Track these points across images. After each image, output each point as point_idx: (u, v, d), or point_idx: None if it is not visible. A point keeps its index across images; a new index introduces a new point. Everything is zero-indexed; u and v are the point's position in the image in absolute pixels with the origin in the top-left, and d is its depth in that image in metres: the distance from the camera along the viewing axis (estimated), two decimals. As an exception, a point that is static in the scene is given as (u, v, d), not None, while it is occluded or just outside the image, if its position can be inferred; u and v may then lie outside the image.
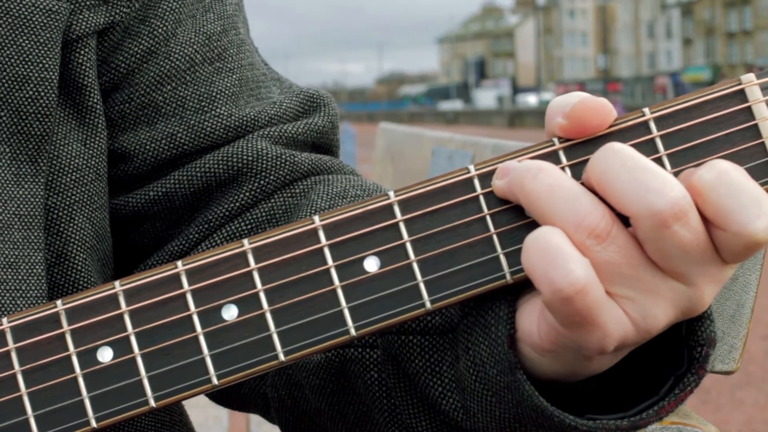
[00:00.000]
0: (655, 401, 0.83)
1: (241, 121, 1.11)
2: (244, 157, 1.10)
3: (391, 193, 0.83)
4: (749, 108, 0.81)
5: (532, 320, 0.82)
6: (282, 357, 0.82)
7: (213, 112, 1.11)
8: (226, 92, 1.12)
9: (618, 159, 0.79)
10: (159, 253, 1.12)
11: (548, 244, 0.78)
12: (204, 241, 1.10)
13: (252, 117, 1.12)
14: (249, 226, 1.10)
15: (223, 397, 1.14)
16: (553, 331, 0.80)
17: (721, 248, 0.79)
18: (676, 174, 0.80)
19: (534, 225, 0.81)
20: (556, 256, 0.77)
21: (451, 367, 0.90)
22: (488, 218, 0.82)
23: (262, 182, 1.10)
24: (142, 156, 1.10)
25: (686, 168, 0.81)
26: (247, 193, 1.10)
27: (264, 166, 1.10)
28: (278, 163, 1.10)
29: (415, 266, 0.82)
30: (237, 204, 1.10)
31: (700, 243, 0.78)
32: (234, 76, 1.13)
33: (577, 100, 0.81)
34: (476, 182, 0.82)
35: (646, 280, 0.79)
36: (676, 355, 0.85)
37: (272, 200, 1.10)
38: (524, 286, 0.84)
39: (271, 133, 1.12)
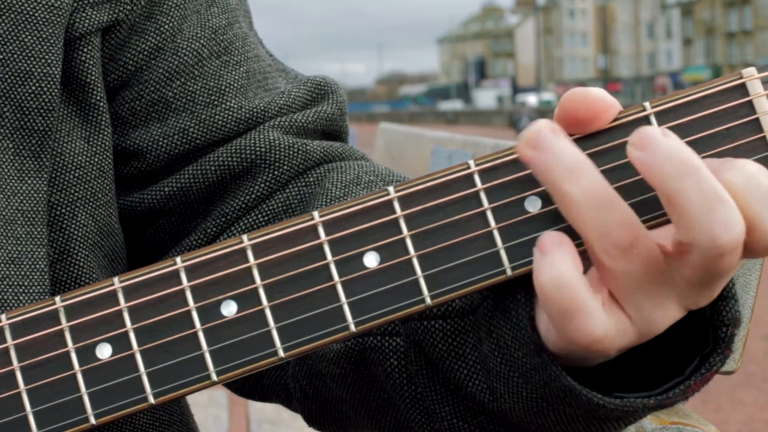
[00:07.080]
0: (681, 380, 0.83)
1: (251, 112, 1.12)
2: (257, 148, 1.10)
3: (391, 189, 0.83)
4: (750, 102, 0.81)
5: (544, 320, 0.83)
6: (281, 353, 0.82)
7: (223, 106, 1.12)
8: (235, 85, 1.13)
9: (694, 181, 0.76)
10: (177, 248, 1.13)
11: (570, 301, 0.78)
12: (222, 234, 1.11)
13: (262, 108, 1.13)
14: (266, 218, 1.10)
15: (244, 388, 1.15)
16: (563, 344, 0.81)
17: (744, 248, 0.78)
18: None
19: (534, 220, 0.81)
20: (576, 313, 0.78)
21: (474, 349, 0.89)
22: (488, 213, 0.82)
23: (276, 173, 1.11)
24: (155, 152, 1.11)
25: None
26: (262, 185, 1.10)
27: (277, 156, 1.11)
28: (291, 152, 1.11)
29: (415, 261, 0.82)
30: (253, 196, 1.10)
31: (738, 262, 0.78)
32: (241, 69, 1.14)
33: (567, 93, 0.81)
34: (476, 177, 0.82)
35: (660, 292, 0.79)
36: (700, 335, 0.85)
37: (287, 190, 1.11)
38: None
39: (282, 123, 1.12)
